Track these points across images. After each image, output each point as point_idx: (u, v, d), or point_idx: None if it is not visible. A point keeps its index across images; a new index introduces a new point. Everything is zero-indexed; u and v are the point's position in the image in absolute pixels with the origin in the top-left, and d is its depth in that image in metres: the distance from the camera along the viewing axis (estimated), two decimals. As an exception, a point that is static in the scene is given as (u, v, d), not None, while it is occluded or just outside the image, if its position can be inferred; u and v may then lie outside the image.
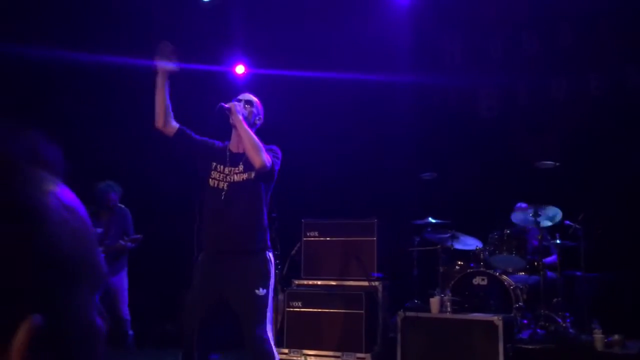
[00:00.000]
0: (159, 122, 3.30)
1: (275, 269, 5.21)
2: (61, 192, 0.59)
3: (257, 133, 3.40)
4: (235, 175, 3.27)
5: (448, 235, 5.79)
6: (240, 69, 7.68)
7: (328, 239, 5.59)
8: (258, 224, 3.25)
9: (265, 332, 3.13)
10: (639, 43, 6.30)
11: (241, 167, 3.26)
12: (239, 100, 3.37)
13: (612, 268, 5.76)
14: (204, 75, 7.32)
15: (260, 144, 3.20)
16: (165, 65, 3.23)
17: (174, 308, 6.86)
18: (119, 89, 7.12)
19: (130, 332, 5.70)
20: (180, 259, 6.94)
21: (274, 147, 3.38)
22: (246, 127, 3.21)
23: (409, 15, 7.20)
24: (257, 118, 3.43)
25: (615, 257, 5.69)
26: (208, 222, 3.29)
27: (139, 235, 5.69)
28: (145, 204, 7.17)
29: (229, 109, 3.24)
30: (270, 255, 3.28)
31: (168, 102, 3.30)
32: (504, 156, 6.71)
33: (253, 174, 3.23)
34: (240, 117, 3.23)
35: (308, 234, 5.64)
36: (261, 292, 3.13)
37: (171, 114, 3.33)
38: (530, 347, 4.86)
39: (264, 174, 3.22)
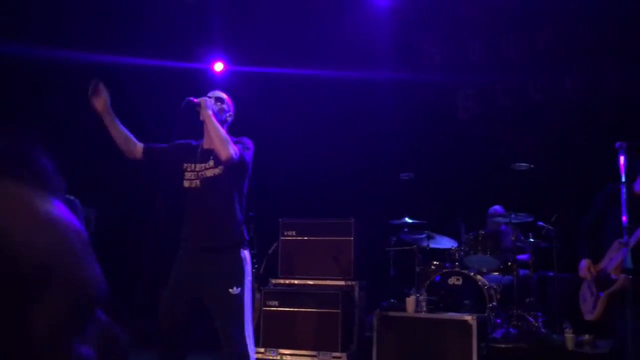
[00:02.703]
0: (125, 153, 3.31)
1: (252, 267, 5.23)
2: (47, 207, 0.56)
3: (230, 130, 3.41)
4: (206, 171, 3.26)
5: (424, 235, 5.84)
6: (218, 67, 7.65)
7: (305, 238, 5.60)
8: (232, 218, 3.22)
9: (242, 331, 3.10)
10: (615, 46, 6.41)
11: (212, 163, 3.26)
12: (209, 97, 3.36)
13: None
14: (182, 72, 7.28)
15: (227, 137, 3.19)
16: (101, 102, 3.21)
17: (151, 306, 6.81)
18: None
19: None
20: (158, 255, 6.92)
21: (244, 139, 3.37)
22: (214, 121, 3.20)
23: (389, 15, 7.23)
24: (228, 115, 3.42)
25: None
26: (184, 221, 3.28)
27: None
28: (124, 200, 7.12)
29: (199, 104, 3.24)
30: (246, 253, 3.24)
31: (124, 132, 3.29)
32: (481, 157, 6.80)
33: (223, 168, 3.22)
34: (210, 112, 3.22)
35: (285, 233, 5.65)
36: (235, 290, 3.11)
37: (132, 140, 3.31)
38: (503, 346, 4.93)
39: (233, 166, 3.20)
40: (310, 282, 5.48)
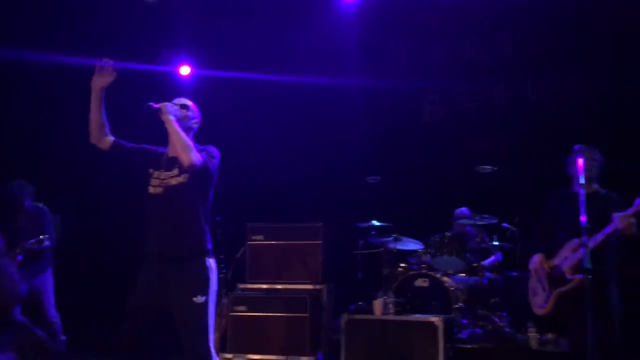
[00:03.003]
0: (93, 138, 3.26)
1: (220, 273, 5.20)
2: None
3: (197, 136, 3.39)
4: (171, 179, 3.22)
5: (391, 237, 5.89)
6: (185, 70, 7.58)
7: (273, 242, 5.59)
8: (196, 227, 3.20)
9: (205, 341, 3.09)
10: (574, 51, 6.57)
11: (176, 171, 3.22)
12: (173, 103, 3.33)
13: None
14: (148, 75, 7.20)
15: (190, 144, 3.16)
16: (101, 81, 3.18)
17: (118, 313, 6.70)
18: (57, 88, 6.93)
19: (63, 337, 5.48)
20: (125, 261, 6.81)
21: (210, 147, 3.32)
22: (176, 127, 3.16)
23: (356, 20, 7.28)
24: (194, 122, 3.38)
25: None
26: (148, 229, 3.22)
27: (42, 237, 5.41)
28: (92, 207, 7.00)
29: (159, 109, 3.19)
30: (211, 261, 3.21)
31: (104, 118, 3.26)
32: (447, 160, 6.89)
33: (187, 176, 3.19)
34: (171, 118, 3.18)
35: (253, 238, 5.63)
36: (200, 299, 3.09)
37: (106, 128, 3.29)
38: (469, 346, 5.01)
39: (197, 174, 3.17)
40: (279, 287, 5.47)
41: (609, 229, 3.72)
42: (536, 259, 4.09)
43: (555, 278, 3.99)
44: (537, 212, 5.54)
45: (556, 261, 4.01)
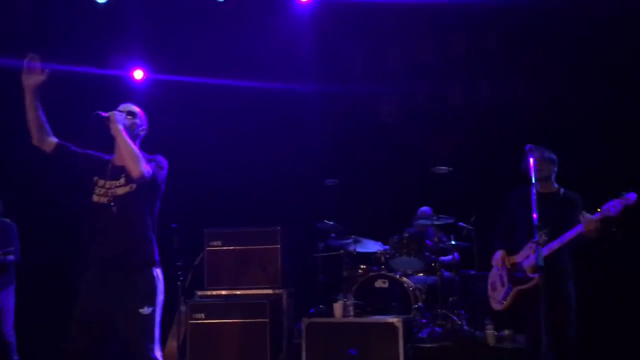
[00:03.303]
0: (34, 139, 3.17)
1: (177, 281, 5.11)
2: None
3: (146, 142, 3.33)
4: (117, 189, 3.16)
5: (351, 240, 5.90)
6: (138, 74, 7.44)
7: (231, 248, 5.53)
8: (142, 238, 3.14)
9: (151, 352, 3.02)
10: (524, 53, 6.73)
11: (122, 180, 3.16)
12: (120, 111, 3.26)
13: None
14: (99, 79, 7.04)
15: (139, 154, 3.10)
16: (32, 80, 3.08)
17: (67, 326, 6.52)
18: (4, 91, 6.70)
19: (16, 357, 5.31)
20: (77, 275, 6.63)
21: (158, 157, 3.28)
22: (125, 136, 3.10)
23: (311, 24, 7.29)
24: (141, 129, 3.33)
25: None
26: (91, 239, 3.15)
27: (7, 249, 5.27)
28: (41, 218, 6.78)
29: (108, 118, 3.13)
30: (158, 271, 3.15)
31: (42, 118, 3.17)
32: (404, 161, 6.95)
33: (135, 186, 3.13)
34: (120, 127, 3.12)
35: (211, 244, 5.56)
36: (146, 310, 3.03)
37: (47, 129, 3.19)
38: (428, 345, 5.05)
39: (145, 185, 3.12)
40: (238, 292, 5.42)
41: (575, 231, 3.74)
42: (498, 255, 4.15)
43: (516, 275, 4.03)
44: (496, 211, 5.66)
45: (518, 259, 4.07)
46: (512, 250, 4.13)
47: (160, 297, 3.11)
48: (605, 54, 6.18)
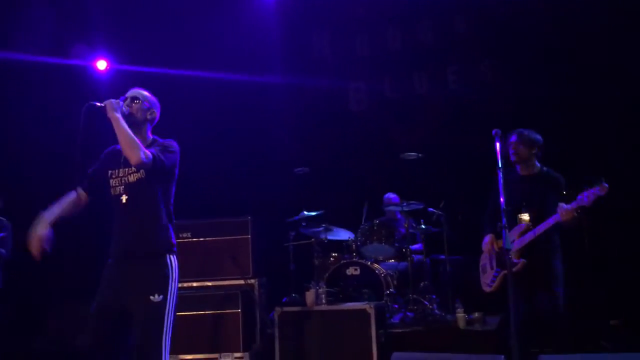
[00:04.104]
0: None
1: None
2: None
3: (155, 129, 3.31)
4: (129, 176, 3.14)
5: (322, 228, 5.91)
6: (102, 65, 7.29)
7: (201, 239, 5.49)
8: (156, 224, 3.10)
9: (159, 342, 2.94)
10: (491, 41, 6.80)
11: (134, 167, 3.11)
12: (125, 98, 3.22)
13: (472, 250, 6.18)
14: (61, 70, 6.88)
15: (135, 140, 3.02)
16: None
17: (44, 323, 6.41)
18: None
19: None
20: (49, 270, 6.50)
21: (168, 141, 3.24)
22: (122, 125, 3.04)
23: (277, 13, 7.25)
24: (149, 113, 3.27)
25: (475, 240, 6.10)
26: (112, 230, 3.15)
27: None
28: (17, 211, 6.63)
29: (104, 107, 3.08)
30: (172, 258, 3.10)
31: (69, 209, 3.19)
32: (373, 148, 6.98)
33: (144, 172, 3.10)
34: (117, 116, 3.06)
35: (180, 235, 5.50)
36: (157, 298, 2.97)
37: (74, 201, 3.21)
38: (400, 330, 5.10)
39: (154, 170, 3.07)
40: (209, 284, 5.39)
41: (552, 220, 3.86)
42: (487, 240, 4.26)
43: (503, 259, 4.13)
44: (466, 198, 5.74)
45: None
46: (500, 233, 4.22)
47: (173, 286, 3.06)
48: (571, 39, 6.28)
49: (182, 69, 7.06)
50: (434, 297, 5.72)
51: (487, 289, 4.29)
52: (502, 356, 3.23)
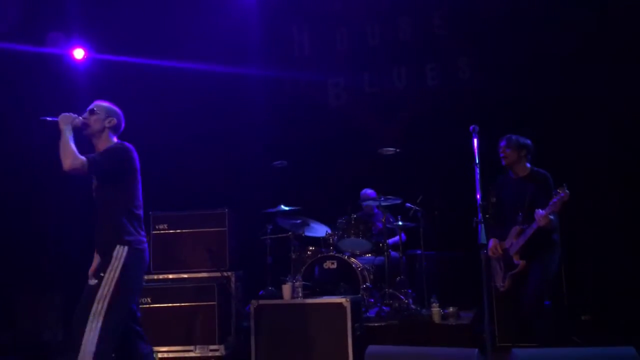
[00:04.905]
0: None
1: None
2: None
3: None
4: (93, 183, 3.52)
5: (299, 222, 5.91)
6: (79, 53, 7.17)
7: (178, 231, 5.45)
8: (109, 220, 3.39)
9: (83, 326, 3.14)
10: (469, 37, 6.85)
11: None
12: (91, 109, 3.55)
13: (447, 246, 6.25)
14: (37, 58, 6.75)
15: (69, 151, 3.28)
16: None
17: (11, 314, 6.30)
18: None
19: None
20: (17, 261, 6.39)
21: (115, 147, 3.49)
22: (63, 136, 3.33)
23: (258, 6, 7.22)
24: (107, 122, 3.54)
25: (450, 235, 6.17)
26: None
27: None
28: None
29: (56, 122, 3.40)
30: (120, 250, 3.32)
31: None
32: (352, 143, 6.99)
33: (95, 178, 3.47)
34: (63, 128, 3.36)
35: (157, 227, 5.46)
36: (92, 281, 3.31)
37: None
38: (376, 324, 5.13)
39: (95, 175, 3.42)
40: (185, 276, 5.35)
41: (534, 226, 4.10)
42: (490, 245, 4.43)
43: (507, 261, 4.36)
44: (442, 193, 5.80)
45: (506, 244, 4.37)
46: (503, 235, 4.40)
47: (113, 274, 3.26)
48: (549, 35, 6.36)
49: (161, 59, 6.99)
50: (410, 291, 5.76)
51: (501, 289, 4.48)
52: (476, 349, 3.28)
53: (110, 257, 3.29)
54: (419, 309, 5.52)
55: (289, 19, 7.44)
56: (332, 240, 6.01)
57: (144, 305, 5.05)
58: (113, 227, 3.36)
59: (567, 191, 3.93)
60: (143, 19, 6.90)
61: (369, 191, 6.46)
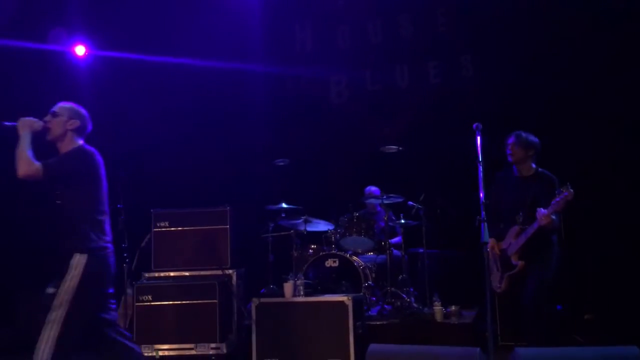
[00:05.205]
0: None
1: (124, 262, 4.98)
2: None
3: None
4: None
5: (301, 220, 5.89)
6: (80, 50, 7.16)
7: (180, 229, 5.42)
8: (67, 227, 3.35)
9: (42, 335, 3.10)
10: (472, 34, 6.82)
11: None
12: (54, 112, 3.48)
13: (450, 244, 6.23)
14: (38, 55, 6.74)
15: (23, 158, 3.24)
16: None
17: (11, 312, 6.30)
18: None
19: None
20: (17, 259, 6.39)
21: (70, 151, 3.42)
22: (21, 142, 3.30)
23: (260, 2, 7.20)
24: (69, 124, 3.47)
25: (452, 234, 6.15)
26: None
27: None
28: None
29: (14, 126, 3.35)
30: (79, 258, 3.26)
31: None
32: (354, 141, 6.97)
33: (49, 182, 3.38)
34: (22, 133, 3.32)
35: (158, 225, 5.44)
36: (50, 290, 3.23)
37: None
38: (378, 323, 5.12)
39: (49, 180, 3.32)
40: (187, 274, 5.34)
41: (535, 225, 4.07)
42: (488, 244, 4.31)
43: (504, 261, 4.35)
44: (444, 191, 5.78)
45: (504, 245, 4.35)
46: (500, 234, 4.38)
47: (70, 283, 3.21)
48: (553, 32, 6.33)
49: (162, 55, 6.97)
50: (412, 290, 5.74)
51: (497, 290, 4.45)
52: (478, 348, 3.26)
53: (68, 265, 3.24)
54: (421, 307, 5.50)
55: (291, 17, 7.42)
56: (334, 238, 6.00)
57: (145, 303, 5.04)
58: (72, 234, 3.31)
59: (572, 190, 3.89)
60: (145, 15, 6.89)
61: (373, 188, 6.44)
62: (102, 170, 3.44)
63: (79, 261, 3.25)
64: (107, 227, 3.44)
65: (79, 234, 3.30)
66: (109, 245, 3.40)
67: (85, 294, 3.21)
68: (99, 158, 3.43)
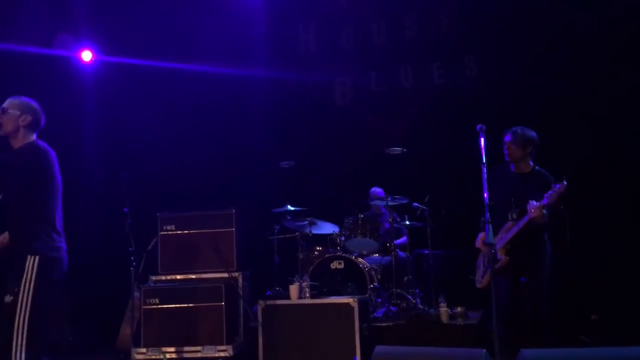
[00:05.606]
0: None
1: (131, 265, 5.00)
2: None
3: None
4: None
5: (306, 222, 5.91)
6: (87, 56, 7.21)
7: (186, 232, 5.45)
8: (16, 231, 3.27)
9: (9, 344, 3.03)
10: (476, 34, 6.82)
11: None
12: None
13: (455, 245, 6.23)
14: (44, 60, 6.79)
15: None
16: None
17: None
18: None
19: None
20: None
21: (18, 148, 3.33)
22: None
23: (263, 5, 7.22)
24: (21, 119, 3.36)
25: (457, 235, 6.14)
26: None
27: None
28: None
29: None
30: (32, 260, 3.18)
31: None
32: (358, 143, 6.99)
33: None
34: None
35: (164, 228, 5.45)
36: (7, 299, 3.12)
37: None
38: (384, 324, 5.12)
39: (3, 180, 3.25)
40: (193, 276, 5.35)
41: (526, 217, 4.01)
42: (478, 238, 4.36)
43: (491, 256, 4.19)
44: (449, 192, 5.77)
45: (496, 240, 4.24)
46: (495, 231, 4.28)
47: (27, 286, 3.14)
48: (555, 32, 6.32)
49: (168, 61, 7.01)
50: (417, 291, 5.75)
51: (478, 285, 4.40)
52: (484, 350, 3.26)
53: (23, 269, 3.15)
54: (426, 308, 5.50)
55: (294, 18, 7.44)
56: (339, 240, 6.01)
57: (152, 306, 5.06)
58: (22, 236, 3.22)
59: (565, 183, 3.84)
60: (150, 21, 6.93)
61: (377, 190, 6.45)
62: (56, 167, 3.32)
63: (32, 263, 3.17)
64: (60, 226, 3.34)
65: (28, 234, 3.21)
66: (61, 244, 3.31)
67: (42, 295, 3.15)
68: (52, 154, 3.32)
